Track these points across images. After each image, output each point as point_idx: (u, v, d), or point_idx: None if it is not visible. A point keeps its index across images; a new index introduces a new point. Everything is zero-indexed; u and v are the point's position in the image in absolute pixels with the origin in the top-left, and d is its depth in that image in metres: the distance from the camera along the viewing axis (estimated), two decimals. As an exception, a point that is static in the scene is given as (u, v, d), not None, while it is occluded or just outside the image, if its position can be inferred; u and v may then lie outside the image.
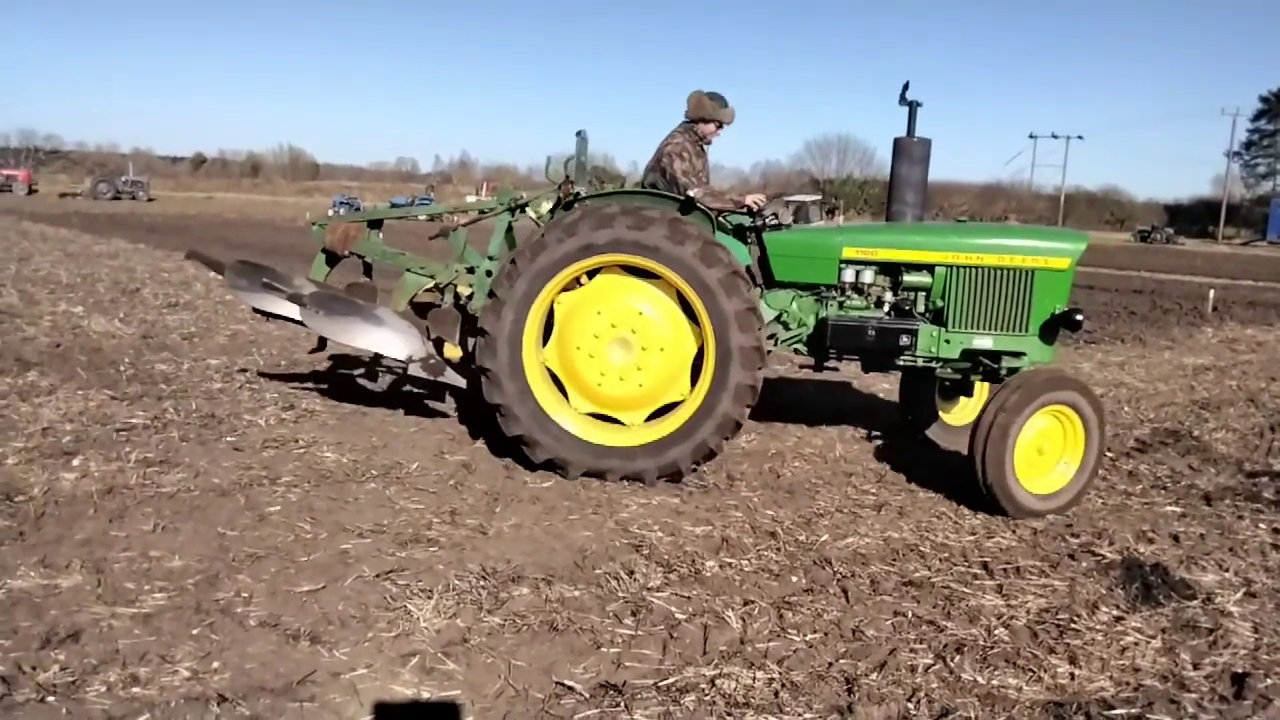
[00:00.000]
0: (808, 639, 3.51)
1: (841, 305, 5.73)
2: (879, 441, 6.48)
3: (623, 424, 5.32)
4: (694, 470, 5.31)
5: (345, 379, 7.51)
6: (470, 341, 5.65)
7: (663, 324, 5.20)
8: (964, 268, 5.43)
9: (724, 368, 5.05)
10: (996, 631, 3.64)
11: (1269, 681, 3.29)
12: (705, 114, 6.04)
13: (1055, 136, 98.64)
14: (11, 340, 8.53)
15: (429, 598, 3.68)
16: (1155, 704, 3.12)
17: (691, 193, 5.63)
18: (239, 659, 3.18)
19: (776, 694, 3.12)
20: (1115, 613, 3.83)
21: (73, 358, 7.87)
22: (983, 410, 5.04)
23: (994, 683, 3.24)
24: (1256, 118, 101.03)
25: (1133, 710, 3.08)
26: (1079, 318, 5.28)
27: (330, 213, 43.93)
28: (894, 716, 3.03)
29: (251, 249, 22.12)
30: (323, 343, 6.40)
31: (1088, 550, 4.54)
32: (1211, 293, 18.08)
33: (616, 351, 5.21)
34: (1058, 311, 5.37)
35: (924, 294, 5.62)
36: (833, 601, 3.87)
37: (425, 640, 3.37)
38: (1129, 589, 4.09)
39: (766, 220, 5.90)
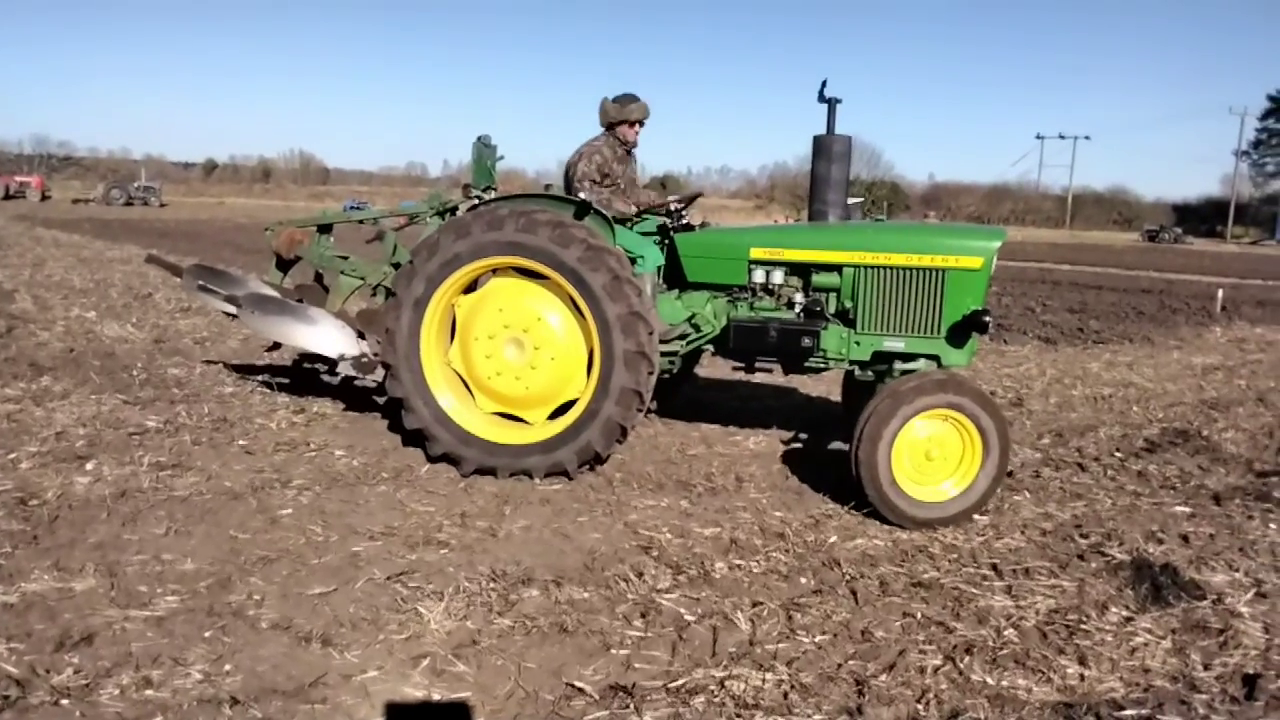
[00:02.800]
0: (817, 640, 3.52)
1: (751, 306, 5.67)
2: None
3: (527, 422, 5.39)
4: (579, 472, 5.30)
5: (356, 384, 7.54)
6: None
7: (555, 325, 5.24)
8: (872, 268, 5.29)
9: (608, 372, 5.08)
10: (1006, 632, 3.64)
11: (1279, 683, 3.28)
12: (610, 118, 6.12)
13: (1063, 137, 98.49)
14: (25, 345, 8.59)
15: (439, 600, 3.70)
16: (1166, 705, 3.12)
17: (583, 195, 5.62)
18: (251, 661, 3.20)
19: (786, 695, 3.12)
20: (1125, 613, 3.83)
21: (86, 362, 7.92)
22: (860, 416, 4.92)
23: (1004, 684, 3.24)
24: (1265, 116, 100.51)
25: (1143, 711, 3.07)
26: (986, 319, 5.06)
27: (342, 217, 44.59)
28: (903, 717, 3.03)
29: (262, 253, 22.21)
30: (276, 343, 6.64)
31: (1097, 551, 4.53)
32: (1220, 292, 18.00)
33: (511, 351, 5.26)
34: (972, 312, 5.14)
35: (833, 295, 5.51)
36: (842, 603, 3.87)
37: (436, 642, 3.39)
38: (1139, 589, 4.08)
39: (677, 221, 5.93)
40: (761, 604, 3.81)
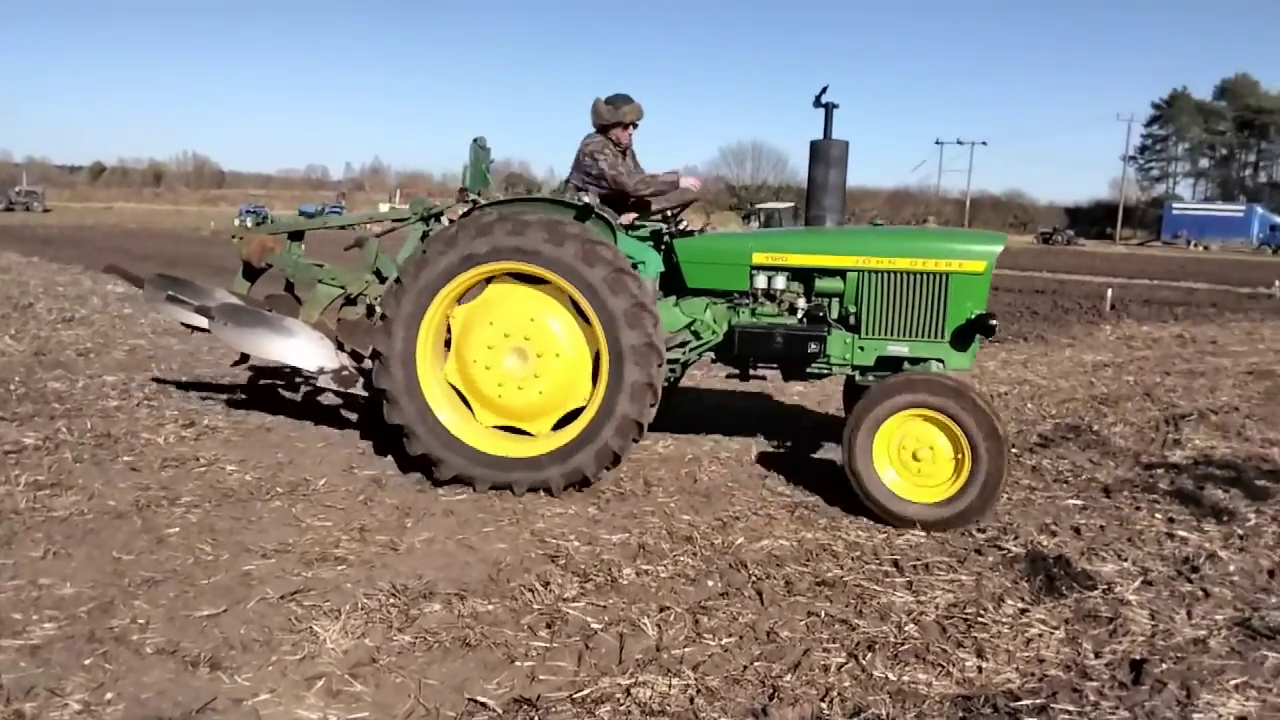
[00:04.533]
0: (723, 643, 3.51)
1: (754, 312, 5.62)
2: (793, 444, 6.54)
3: (530, 434, 5.23)
4: (599, 476, 5.17)
5: (250, 394, 7.29)
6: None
7: (556, 329, 5.10)
8: (876, 272, 5.30)
9: (618, 368, 4.96)
10: (907, 628, 3.69)
11: (1164, 667, 3.40)
12: (604, 120, 5.96)
13: (960, 143, 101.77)
14: (-111, 360, 8.06)
15: (336, 618, 3.57)
16: (1059, 694, 3.20)
17: (586, 198, 5.49)
18: (135, 689, 3.04)
19: (692, 700, 3.10)
20: (1020, 605, 3.93)
21: (-44, 378, 7.46)
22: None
23: (905, 679, 3.28)
24: (1150, 123, 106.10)
25: (1038, 700, 3.15)
26: (993, 323, 5.14)
27: (236, 222, 42.77)
28: (808, 717, 3.04)
29: (153, 260, 21.40)
30: (245, 355, 6.28)
31: (994, 545, 4.64)
32: (1109, 291, 18.81)
33: (513, 361, 5.10)
34: (975, 316, 5.20)
35: (836, 300, 5.51)
36: (748, 604, 3.88)
37: (332, 662, 3.27)
38: (1033, 581, 4.20)
39: (676, 226, 5.84)
40: (669, 609, 3.78)
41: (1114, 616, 3.84)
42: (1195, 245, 72.50)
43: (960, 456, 4.77)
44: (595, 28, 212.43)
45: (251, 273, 6.30)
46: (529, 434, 5.23)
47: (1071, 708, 3.11)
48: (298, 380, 6.46)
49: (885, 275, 5.29)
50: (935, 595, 4.01)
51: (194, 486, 5.06)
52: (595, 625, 3.62)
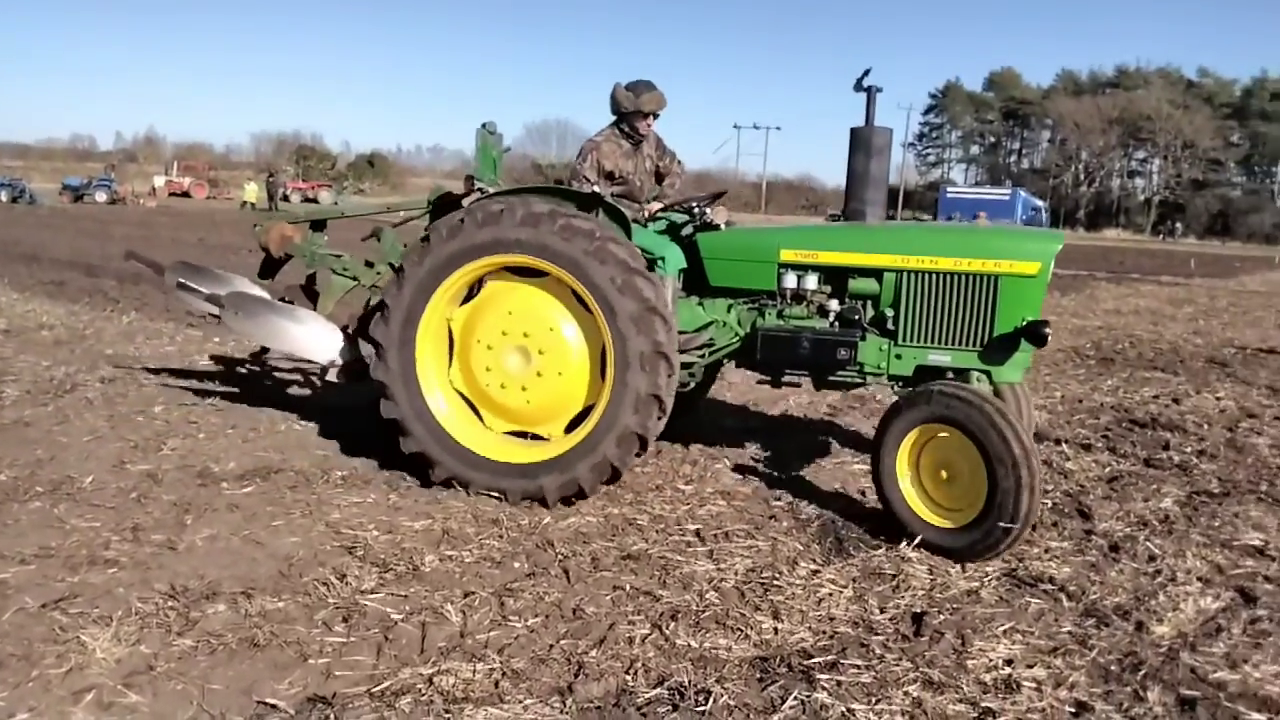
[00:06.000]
0: (529, 624, 3.48)
1: (780, 314, 5.11)
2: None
3: (542, 438, 4.89)
4: (595, 490, 4.76)
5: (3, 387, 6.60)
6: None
7: (560, 327, 4.75)
8: (916, 273, 4.76)
9: (623, 376, 4.55)
10: (708, 595, 3.79)
11: (942, 618, 3.66)
12: (621, 108, 5.59)
13: (756, 127, 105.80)
14: None
15: (107, 625, 3.28)
16: (848, 649, 3.37)
17: (589, 187, 5.21)
18: None
19: (497, 684, 3.06)
20: (813, 567, 4.12)
21: None
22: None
23: (706, 645, 3.37)
24: (927, 111, 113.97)
25: (829, 657, 3.30)
26: (1046, 331, 4.51)
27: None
28: (613, 690, 3.06)
29: (-114, 241, 19.01)
30: (265, 348, 6.05)
31: (789, 511, 4.85)
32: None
33: (514, 360, 4.78)
34: (1026, 323, 4.58)
35: (872, 302, 4.97)
36: (554, 583, 3.87)
37: (103, 672, 3.00)
38: (824, 544, 4.41)
39: (701, 219, 5.42)
40: (473, 594, 3.71)
41: (897, 573, 4.09)
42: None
43: (978, 479, 4.23)
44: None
45: (273, 262, 6.14)
46: (541, 438, 4.91)
47: (860, 662, 3.28)
48: (67, 371, 5.91)
49: (926, 276, 4.75)
50: (734, 562, 4.13)
51: (-66, 491, 4.52)
52: (395, 616, 3.50)
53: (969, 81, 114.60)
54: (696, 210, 5.47)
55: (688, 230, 5.46)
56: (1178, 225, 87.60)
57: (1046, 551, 4.39)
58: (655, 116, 5.70)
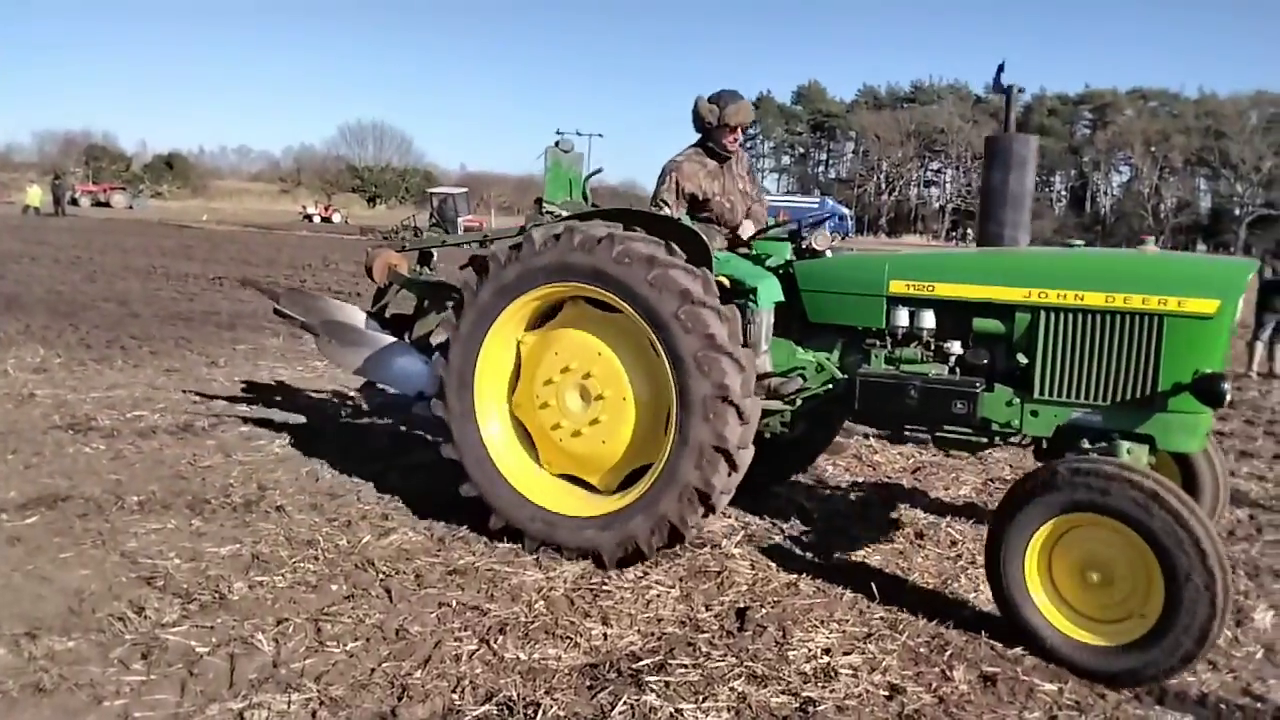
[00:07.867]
0: (348, 649, 3.34)
1: (889, 357, 4.36)
2: (420, 433, 6.41)
3: (596, 489, 4.45)
4: (655, 551, 4.19)
5: None
6: None
7: (624, 366, 4.26)
8: (1057, 309, 3.89)
9: (685, 424, 4.03)
10: (537, 605, 3.75)
11: (764, 611, 3.77)
12: (705, 122, 4.98)
13: (579, 134, 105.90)
14: None
15: None
16: (676, 649, 3.42)
17: (666, 211, 4.78)
18: None
19: (314, 714, 2.91)
20: (641, 569, 4.15)
21: None
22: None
23: (535, 656, 3.33)
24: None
25: (657, 659, 3.33)
26: (1224, 386, 3.59)
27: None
28: (439, 711, 2.98)
29: None
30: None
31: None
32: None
33: (574, 400, 4.35)
34: (1200, 376, 3.67)
35: (1002, 345, 4.11)
36: (375, 604, 3.72)
37: None
38: (652, 546, 4.45)
39: (802, 244, 4.71)
40: (287, 620, 3.52)
41: (721, 570, 4.18)
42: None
43: (1147, 585, 3.36)
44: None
45: (381, 289, 6.07)
46: (596, 489, 4.47)
47: (687, 661, 3.33)
48: None
49: (1070, 314, 3.88)
50: (563, 569, 4.11)
51: None
52: (201, 649, 3.27)
53: (779, 94, 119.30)
54: (802, 234, 4.73)
55: (787, 257, 4.71)
56: (969, 231, 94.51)
57: (858, 540, 4.60)
58: (743, 130, 5.11)
